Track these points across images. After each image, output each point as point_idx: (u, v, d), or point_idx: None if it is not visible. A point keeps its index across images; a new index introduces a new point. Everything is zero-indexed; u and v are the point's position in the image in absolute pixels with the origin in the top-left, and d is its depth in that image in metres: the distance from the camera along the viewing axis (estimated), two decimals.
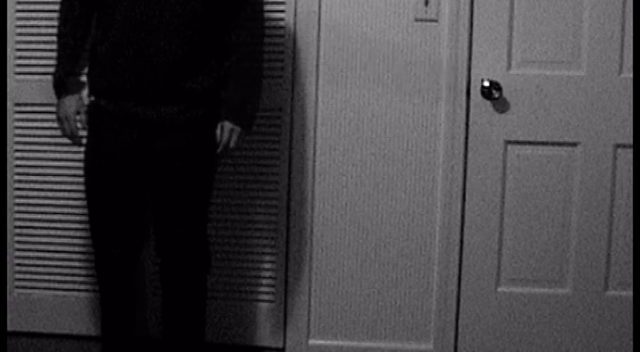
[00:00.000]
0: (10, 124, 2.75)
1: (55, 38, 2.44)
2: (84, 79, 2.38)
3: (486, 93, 2.59)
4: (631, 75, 2.60)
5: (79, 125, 2.34)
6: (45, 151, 2.75)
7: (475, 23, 2.61)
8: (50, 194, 2.77)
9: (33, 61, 2.72)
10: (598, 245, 2.65)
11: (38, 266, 2.80)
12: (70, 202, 2.75)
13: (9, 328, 2.80)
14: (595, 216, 2.64)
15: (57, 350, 2.73)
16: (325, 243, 2.72)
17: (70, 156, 2.72)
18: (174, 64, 2.23)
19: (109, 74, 2.24)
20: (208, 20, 2.28)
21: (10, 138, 2.75)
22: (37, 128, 2.75)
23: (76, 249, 2.78)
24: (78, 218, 2.74)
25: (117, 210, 2.31)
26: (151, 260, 2.67)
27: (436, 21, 2.62)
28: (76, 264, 2.78)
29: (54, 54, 2.46)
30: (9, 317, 2.80)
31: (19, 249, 2.80)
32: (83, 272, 2.78)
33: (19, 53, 2.73)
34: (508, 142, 2.65)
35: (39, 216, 2.78)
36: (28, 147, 2.76)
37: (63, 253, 2.79)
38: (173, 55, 2.22)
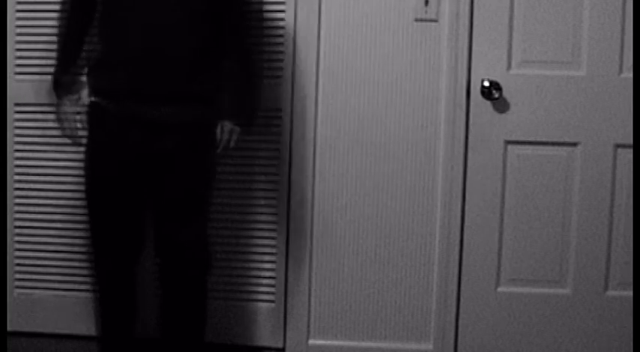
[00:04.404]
0: (10, 124, 2.75)
1: (55, 38, 2.44)
2: (84, 79, 2.38)
3: (486, 93, 2.59)
4: (631, 75, 2.60)
5: (78, 125, 2.34)
6: (45, 151, 2.75)
7: (475, 23, 2.61)
8: (50, 194, 2.77)
9: (33, 61, 2.72)
10: (598, 245, 2.65)
11: (38, 266, 2.80)
12: (70, 202, 2.75)
13: (9, 328, 2.79)
14: (595, 216, 2.64)
15: (57, 350, 2.73)
16: (325, 243, 2.72)
17: (70, 156, 2.72)
18: (175, 64, 2.22)
19: (110, 74, 2.24)
20: (209, 20, 2.28)
21: (10, 138, 2.75)
22: (37, 128, 2.75)
23: (76, 249, 2.78)
24: (78, 218, 2.74)
25: (117, 211, 2.31)
26: (151, 260, 2.66)
27: (436, 21, 2.62)
28: (76, 264, 2.78)
29: (54, 54, 2.46)
30: (9, 317, 2.80)
31: (19, 249, 2.80)
32: (83, 272, 2.78)
33: (19, 53, 2.73)
34: (508, 142, 2.65)
35: (39, 216, 2.78)
36: (28, 147, 2.76)
37: (63, 253, 2.79)
38: (174, 55, 2.22)
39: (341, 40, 2.65)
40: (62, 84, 2.34)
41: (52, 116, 2.57)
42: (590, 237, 2.65)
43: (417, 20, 2.63)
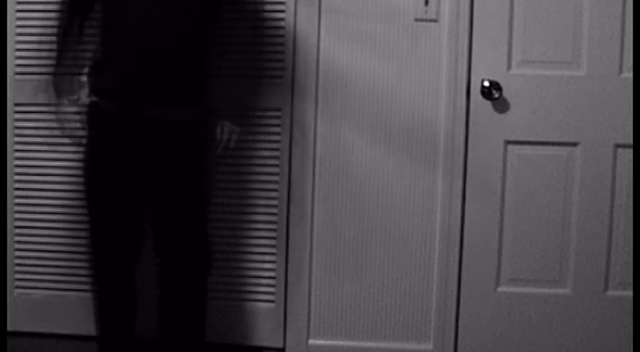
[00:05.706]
0: (10, 124, 2.75)
1: (54, 38, 2.44)
2: (84, 79, 2.38)
3: (486, 93, 2.59)
4: (631, 75, 2.60)
5: (78, 125, 2.34)
6: (45, 151, 2.75)
7: (475, 23, 2.61)
8: (50, 194, 2.77)
9: (33, 61, 2.72)
10: (598, 245, 2.65)
11: (38, 266, 2.80)
12: (70, 202, 2.75)
13: (9, 328, 2.79)
14: (595, 216, 2.64)
15: (57, 350, 2.73)
16: (325, 243, 2.72)
17: (70, 156, 2.72)
18: (175, 65, 2.23)
19: (110, 74, 2.24)
20: (209, 20, 2.28)
21: (10, 138, 2.75)
22: (37, 128, 2.75)
23: (76, 249, 2.78)
24: (78, 218, 2.74)
25: (116, 211, 2.31)
26: (151, 260, 2.66)
27: (436, 21, 2.62)
28: (76, 264, 2.78)
29: (54, 54, 2.46)
30: (9, 317, 2.80)
31: (19, 249, 2.80)
32: (83, 272, 2.78)
33: (19, 53, 2.73)
34: (508, 142, 2.65)
35: (39, 216, 2.78)
36: (28, 147, 2.76)
37: (63, 253, 2.79)
38: (173, 55, 2.22)
39: (341, 40, 2.65)
40: (62, 84, 2.34)
41: (52, 116, 2.57)
42: (590, 237, 2.65)
43: (417, 20, 2.63)
